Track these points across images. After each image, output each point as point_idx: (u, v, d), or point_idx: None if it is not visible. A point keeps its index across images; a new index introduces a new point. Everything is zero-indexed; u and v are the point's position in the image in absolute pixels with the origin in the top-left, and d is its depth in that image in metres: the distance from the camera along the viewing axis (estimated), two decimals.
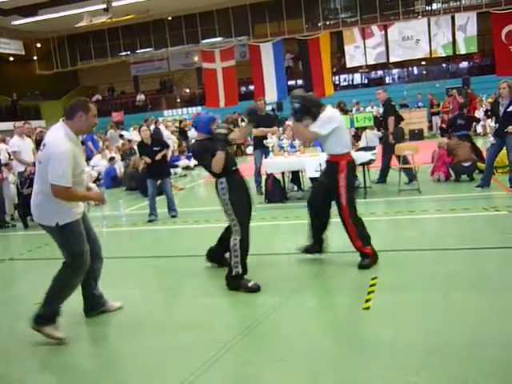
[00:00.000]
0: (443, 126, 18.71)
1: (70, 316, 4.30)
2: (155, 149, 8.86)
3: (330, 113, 5.30)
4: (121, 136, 19.24)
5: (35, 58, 28.81)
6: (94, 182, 13.44)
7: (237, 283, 4.77)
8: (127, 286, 5.48)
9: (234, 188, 4.86)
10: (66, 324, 4.17)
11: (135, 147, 17.04)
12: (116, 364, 3.77)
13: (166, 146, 9.45)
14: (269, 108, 20.14)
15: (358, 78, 27.04)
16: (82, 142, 15.95)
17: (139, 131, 18.35)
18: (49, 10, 22.24)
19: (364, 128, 13.20)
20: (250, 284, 4.74)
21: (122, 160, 15.79)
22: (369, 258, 5.16)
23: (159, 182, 9.19)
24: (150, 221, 8.77)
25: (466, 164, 9.49)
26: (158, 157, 8.79)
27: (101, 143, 16.99)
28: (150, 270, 6.08)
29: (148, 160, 8.81)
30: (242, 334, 3.84)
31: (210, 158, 4.75)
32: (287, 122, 18.28)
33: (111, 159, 14.63)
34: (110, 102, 30.77)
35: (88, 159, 15.17)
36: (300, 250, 5.63)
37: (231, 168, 4.95)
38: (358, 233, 5.22)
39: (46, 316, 4.01)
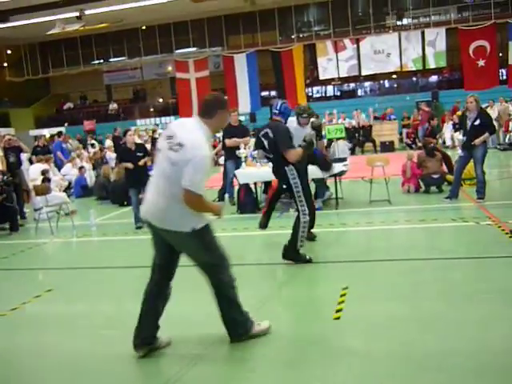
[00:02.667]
0: (408, 140, 19.14)
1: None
2: (138, 154, 8.74)
3: None
4: (92, 145, 19.07)
5: (5, 64, 28.37)
6: (65, 190, 13.24)
7: (298, 257, 5.66)
8: (97, 297, 5.40)
9: (301, 173, 5.67)
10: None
11: (107, 156, 16.92)
12: (77, 374, 3.69)
13: (148, 153, 9.35)
14: (242, 118, 20.25)
15: (330, 90, 27.38)
16: (50, 151, 15.75)
17: (112, 138, 18.30)
18: (20, 16, 21.95)
19: (336, 139, 13.39)
20: (307, 257, 5.69)
21: (94, 169, 15.61)
22: None
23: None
24: (138, 227, 8.62)
25: (436, 176, 9.70)
26: (141, 162, 8.66)
27: (73, 153, 16.77)
28: (120, 280, 6.00)
29: (130, 165, 8.63)
30: (214, 344, 3.81)
31: (291, 144, 5.55)
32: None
33: (81, 168, 14.45)
34: (81, 111, 30.46)
35: (58, 168, 14.97)
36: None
37: None
38: None
39: (246, 325, 3.74)
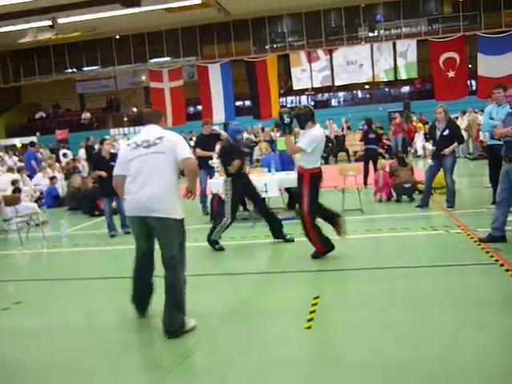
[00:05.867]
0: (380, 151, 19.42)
1: None
2: (112, 163, 8.69)
3: (316, 132, 5.99)
4: (64, 155, 18.86)
5: None
6: (36, 201, 13.02)
7: (213, 244, 7.04)
8: (67, 309, 5.31)
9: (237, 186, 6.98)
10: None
11: (79, 166, 16.75)
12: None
13: None
14: (217, 127, 20.29)
15: (304, 100, 27.60)
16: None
17: (85, 148, 18.11)
18: None
19: None
20: (217, 247, 7.03)
21: (66, 179, 15.41)
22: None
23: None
24: (111, 236, 8.80)
25: (407, 185, 9.83)
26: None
27: (44, 162, 16.54)
28: (91, 292, 5.91)
29: (103, 174, 8.61)
30: (183, 356, 3.79)
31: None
32: None
33: (52, 178, 14.24)
34: (54, 120, 30.07)
35: (30, 178, 14.74)
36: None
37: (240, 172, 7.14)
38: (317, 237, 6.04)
39: (183, 320, 4.14)
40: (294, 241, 7.11)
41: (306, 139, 5.94)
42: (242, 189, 7.10)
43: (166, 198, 4.13)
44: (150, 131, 4.40)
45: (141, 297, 4.56)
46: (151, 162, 4.18)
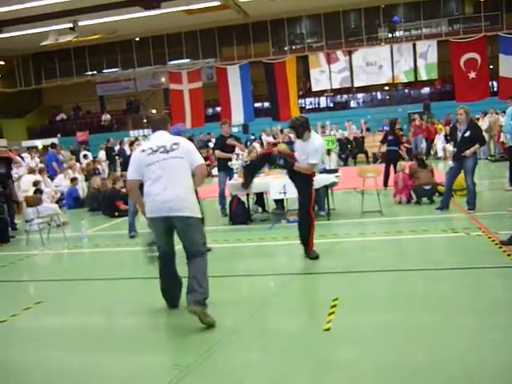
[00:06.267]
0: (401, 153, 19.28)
1: None
2: None
3: (318, 142, 6.27)
4: (84, 156, 19.06)
5: None
6: (57, 202, 13.19)
7: None
8: (87, 310, 5.37)
9: None
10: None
11: (99, 167, 16.91)
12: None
13: None
14: (235, 130, 20.44)
15: (323, 101, 27.51)
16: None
17: (105, 149, 18.24)
18: (13, 27, 21.99)
19: (328, 151, 13.45)
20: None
21: (86, 180, 15.58)
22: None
23: None
24: (131, 236, 8.80)
25: (427, 187, 9.74)
26: None
27: (65, 164, 16.73)
28: (111, 292, 5.97)
29: None
30: (203, 356, 3.80)
31: None
32: (253, 144, 18.45)
33: (73, 180, 14.40)
34: (74, 122, 30.43)
35: (51, 179, 14.92)
36: None
37: None
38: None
39: (205, 301, 4.32)
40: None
41: (312, 154, 6.19)
42: None
43: (188, 198, 4.43)
44: (161, 137, 4.66)
45: (169, 293, 4.87)
46: (171, 165, 4.44)
